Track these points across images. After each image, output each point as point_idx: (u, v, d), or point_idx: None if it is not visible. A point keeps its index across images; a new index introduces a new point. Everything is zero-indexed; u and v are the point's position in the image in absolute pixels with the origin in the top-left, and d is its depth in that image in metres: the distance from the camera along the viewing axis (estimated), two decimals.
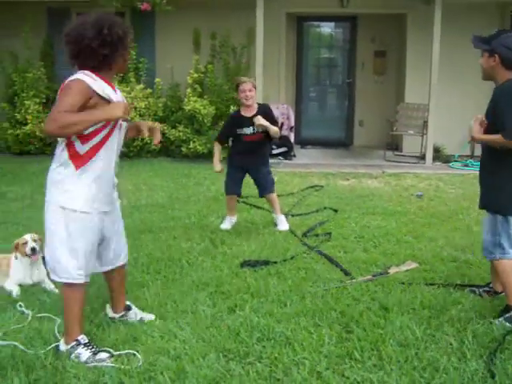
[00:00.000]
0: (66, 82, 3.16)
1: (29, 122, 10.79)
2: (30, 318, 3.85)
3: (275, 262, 4.98)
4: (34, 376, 3.15)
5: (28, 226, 6.01)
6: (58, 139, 3.29)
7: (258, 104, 6.08)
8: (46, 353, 3.37)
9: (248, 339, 3.54)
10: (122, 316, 3.79)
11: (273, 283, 4.49)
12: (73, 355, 3.33)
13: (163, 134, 10.43)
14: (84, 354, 3.32)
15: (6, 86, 11.39)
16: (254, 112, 5.91)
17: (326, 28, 13.57)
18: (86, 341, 3.39)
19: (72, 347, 3.35)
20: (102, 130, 3.23)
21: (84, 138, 3.20)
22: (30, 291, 4.33)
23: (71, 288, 3.36)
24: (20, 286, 4.36)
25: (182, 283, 4.51)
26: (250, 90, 5.85)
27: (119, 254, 3.67)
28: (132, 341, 3.55)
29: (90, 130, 3.17)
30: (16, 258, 4.42)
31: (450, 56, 10.87)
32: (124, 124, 3.42)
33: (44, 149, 11.17)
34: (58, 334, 3.58)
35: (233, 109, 10.39)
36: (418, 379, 3.11)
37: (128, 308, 3.83)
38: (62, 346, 3.41)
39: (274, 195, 6.24)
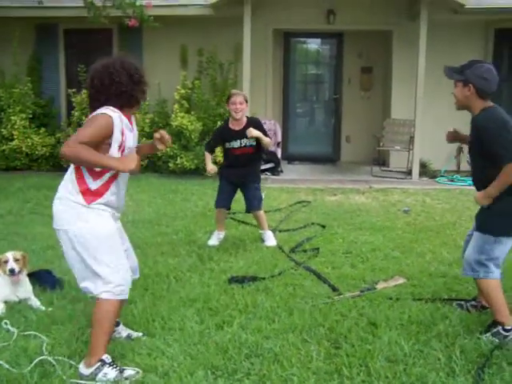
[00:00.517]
0: (96, 113, 3.22)
1: (15, 137, 10.75)
2: (15, 335, 3.80)
3: (263, 278, 4.97)
4: None
5: (14, 242, 5.99)
6: (69, 171, 3.34)
7: (247, 117, 6.06)
8: (32, 371, 3.33)
9: (236, 356, 3.53)
10: None
11: (261, 299, 4.48)
12: (99, 376, 3.27)
13: None
14: (111, 373, 3.28)
15: None
16: (243, 126, 5.90)
17: (313, 44, 13.68)
18: (110, 360, 3.34)
19: (97, 368, 3.29)
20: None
21: (96, 175, 3.25)
22: (16, 308, 4.28)
23: (112, 304, 3.32)
24: (5, 303, 4.31)
25: (170, 299, 4.49)
26: (240, 103, 5.84)
27: (136, 267, 3.71)
28: (120, 357, 3.52)
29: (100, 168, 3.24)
30: None
31: (435, 72, 10.90)
32: (128, 150, 3.43)
33: (30, 164, 11.15)
34: (45, 352, 3.55)
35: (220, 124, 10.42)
36: None
37: (116, 324, 3.80)
38: (84, 370, 3.31)
39: (260, 212, 6.23)
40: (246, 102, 5.96)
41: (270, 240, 6.17)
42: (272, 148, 10.96)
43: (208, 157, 6.20)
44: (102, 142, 3.19)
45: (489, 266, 3.82)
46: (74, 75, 11.45)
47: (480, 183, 3.93)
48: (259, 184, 6.29)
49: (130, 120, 3.40)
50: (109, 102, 3.28)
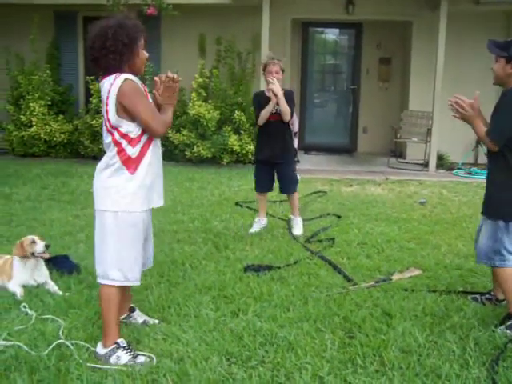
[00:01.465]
0: (119, 86, 3.18)
1: (34, 124, 10.83)
2: (33, 319, 3.85)
3: (278, 267, 4.99)
4: (38, 377, 3.16)
5: (32, 227, 6.05)
6: (106, 146, 3.35)
7: (283, 89, 5.95)
8: (50, 354, 3.37)
9: (251, 343, 3.55)
10: (126, 318, 3.80)
11: (276, 288, 4.50)
12: (112, 358, 3.33)
13: (167, 138, 10.47)
14: (124, 357, 3.33)
15: (11, 88, 11.45)
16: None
17: (331, 34, 13.62)
18: (125, 344, 3.39)
19: (112, 350, 3.35)
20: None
21: (134, 142, 3.28)
22: (34, 292, 4.33)
23: (114, 290, 3.36)
24: (24, 287, 4.37)
25: (186, 287, 4.52)
26: (276, 72, 5.82)
27: (151, 254, 3.71)
28: (135, 343, 3.56)
29: (137, 132, 3.27)
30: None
31: (454, 64, 10.89)
32: None
33: (48, 151, 11.24)
34: (61, 336, 3.60)
35: (237, 113, 10.43)
36: None
37: (132, 310, 3.85)
38: (100, 349, 3.39)
39: (295, 196, 6.28)
40: (283, 71, 5.93)
41: (298, 228, 6.20)
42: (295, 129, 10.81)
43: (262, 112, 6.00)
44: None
45: (504, 254, 3.81)
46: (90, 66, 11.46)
47: (491, 168, 3.94)
48: (293, 164, 6.30)
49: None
50: (94, 67, 3.35)
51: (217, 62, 11.47)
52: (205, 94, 10.92)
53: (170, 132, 10.56)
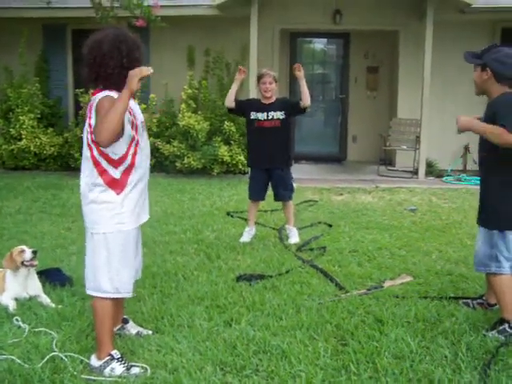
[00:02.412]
0: (98, 100, 3.20)
1: (23, 137, 10.82)
2: (26, 332, 3.85)
3: (270, 276, 5.01)
4: None
5: (23, 240, 6.03)
6: (84, 166, 3.33)
7: (276, 98, 6.22)
8: (44, 366, 3.37)
9: (244, 352, 3.57)
10: (119, 329, 3.81)
11: (268, 297, 4.51)
12: (106, 370, 3.34)
13: (158, 150, 10.49)
14: (118, 368, 3.33)
15: (0, 101, 11.44)
16: (272, 101, 6.09)
17: (319, 44, 13.72)
18: (119, 355, 3.40)
19: (106, 362, 3.35)
20: (129, 150, 3.29)
21: (116, 163, 3.26)
22: (27, 305, 4.32)
23: (107, 302, 3.37)
24: (16, 300, 4.36)
25: (178, 297, 4.53)
26: (270, 83, 6.01)
27: (140, 266, 3.72)
28: (129, 354, 3.56)
29: (119, 155, 3.24)
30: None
31: (441, 72, 10.99)
32: (141, 124, 3.43)
33: (38, 164, 11.22)
34: (55, 348, 3.60)
35: (227, 124, 10.47)
36: None
37: (125, 321, 3.85)
38: (95, 362, 3.39)
39: (290, 203, 6.32)
40: (276, 81, 6.09)
41: (294, 237, 6.24)
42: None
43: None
44: None
45: (500, 260, 3.84)
46: (81, 75, 11.48)
47: (483, 166, 3.96)
48: (289, 170, 6.31)
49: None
50: (97, 82, 3.32)
51: (206, 73, 11.52)
52: (194, 105, 10.95)
53: (160, 143, 10.58)
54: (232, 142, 10.65)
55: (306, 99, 6.02)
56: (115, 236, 3.29)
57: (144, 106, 10.94)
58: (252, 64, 10.40)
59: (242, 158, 10.34)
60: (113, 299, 3.39)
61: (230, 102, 6.14)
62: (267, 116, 6.02)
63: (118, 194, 3.27)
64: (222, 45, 11.31)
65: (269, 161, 6.12)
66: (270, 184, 6.28)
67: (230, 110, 6.33)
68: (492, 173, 3.91)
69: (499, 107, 3.74)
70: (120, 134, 3.18)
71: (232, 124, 10.58)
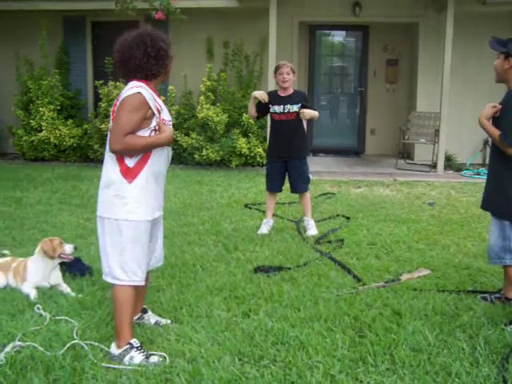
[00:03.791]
0: (126, 95, 3.26)
1: (43, 128, 10.93)
2: (47, 320, 3.91)
3: (288, 268, 5.03)
4: (53, 376, 3.22)
5: (44, 230, 6.12)
6: (107, 154, 3.41)
7: (294, 90, 6.23)
8: (65, 354, 3.43)
9: (262, 343, 3.59)
10: (139, 318, 3.85)
11: (286, 288, 4.54)
12: (126, 358, 3.38)
13: (176, 141, 10.54)
14: (137, 357, 3.38)
15: (21, 92, 11.55)
16: (289, 94, 6.10)
17: (338, 37, 13.64)
18: (138, 344, 3.45)
19: (125, 350, 3.40)
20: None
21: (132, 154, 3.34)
22: (48, 294, 4.39)
23: (126, 290, 3.42)
24: (37, 288, 4.42)
25: (197, 288, 4.57)
26: (287, 73, 6.03)
27: (161, 255, 3.76)
28: (148, 343, 3.61)
29: None
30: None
31: (461, 65, 10.91)
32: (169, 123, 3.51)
33: (58, 155, 11.33)
34: (75, 336, 3.65)
35: (245, 116, 10.48)
36: (431, 383, 3.14)
37: (144, 311, 3.90)
38: (114, 350, 3.44)
39: (307, 195, 6.35)
40: (294, 72, 6.11)
41: (313, 229, 6.27)
42: None
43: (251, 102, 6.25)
44: (142, 121, 3.29)
45: None
46: (101, 67, 11.59)
47: (493, 156, 3.97)
48: (306, 162, 6.35)
49: (156, 93, 3.44)
50: (128, 76, 3.38)
51: (224, 65, 11.55)
52: (213, 97, 10.98)
53: (178, 135, 10.63)
54: (250, 134, 10.67)
55: (314, 120, 6.31)
56: (125, 224, 3.33)
57: (163, 98, 11.00)
58: (271, 56, 10.39)
59: (260, 150, 10.36)
60: (132, 288, 3.43)
61: (252, 114, 6.29)
62: (283, 109, 6.07)
63: (129, 182, 3.32)
64: (240, 37, 11.32)
65: (285, 152, 6.17)
66: (286, 176, 6.30)
67: (258, 118, 6.46)
68: (502, 162, 3.90)
69: (506, 107, 3.76)
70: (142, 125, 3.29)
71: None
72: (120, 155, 3.32)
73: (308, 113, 6.02)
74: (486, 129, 3.93)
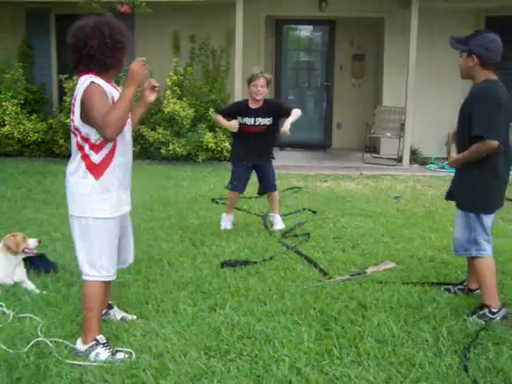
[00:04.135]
0: (84, 88, 3.19)
1: (7, 123, 10.74)
2: (11, 317, 3.86)
3: (255, 262, 5.04)
4: (16, 375, 3.17)
5: (8, 226, 6.02)
6: (73, 152, 3.35)
7: (265, 99, 6.06)
8: (28, 352, 3.38)
9: (229, 337, 3.60)
10: (104, 314, 3.81)
11: (252, 283, 4.55)
12: (92, 355, 3.36)
13: (142, 136, 10.46)
14: (103, 353, 3.36)
15: None
16: (260, 105, 5.97)
17: (305, 31, 13.68)
18: (105, 341, 3.42)
19: (91, 347, 3.37)
20: None
21: (97, 148, 3.27)
22: (11, 291, 4.32)
23: (96, 286, 3.39)
24: (0, 286, 4.35)
25: (163, 283, 4.56)
26: (261, 86, 5.90)
27: (131, 252, 3.75)
28: (114, 339, 3.58)
29: (100, 138, 3.24)
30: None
31: (426, 59, 11.03)
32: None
33: (22, 150, 11.14)
34: (40, 334, 3.60)
35: (212, 111, 10.44)
36: (395, 374, 3.19)
37: (110, 307, 3.87)
38: (80, 346, 3.42)
39: (275, 194, 6.35)
40: (268, 84, 5.98)
41: (280, 223, 6.28)
42: None
43: (220, 117, 6.15)
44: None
45: (480, 243, 3.91)
46: (65, 61, 11.39)
47: (462, 150, 4.01)
48: (272, 163, 6.35)
49: (111, 85, 3.39)
50: (80, 65, 3.30)
51: (191, 60, 11.50)
52: (179, 92, 10.92)
53: (144, 130, 10.55)
54: (217, 128, 10.62)
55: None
56: (93, 221, 3.31)
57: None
58: (237, 51, 10.38)
59: (227, 144, 10.34)
60: (103, 283, 3.41)
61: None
62: (254, 121, 5.98)
63: (96, 178, 3.29)
64: (207, 31, 11.29)
65: (254, 159, 6.15)
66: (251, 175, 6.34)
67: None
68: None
69: (474, 108, 3.81)
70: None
71: None
72: (84, 153, 3.27)
73: (288, 127, 5.84)
74: (466, 158, 3.92)
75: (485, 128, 3.73)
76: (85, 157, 3.28)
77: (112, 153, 3.32)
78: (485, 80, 3.87)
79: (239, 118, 6.02)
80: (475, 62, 3.86)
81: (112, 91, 3.33)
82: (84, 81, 3.23)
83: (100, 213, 3.31)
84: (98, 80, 3.24)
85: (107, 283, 3.54)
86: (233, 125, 6.00)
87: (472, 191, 3.93)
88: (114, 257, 3.46)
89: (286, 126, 5.80)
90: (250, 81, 5.95)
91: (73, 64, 3.36)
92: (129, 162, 3.48)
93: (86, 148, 3.27)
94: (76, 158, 3.32)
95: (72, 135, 3.33)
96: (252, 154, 6.10)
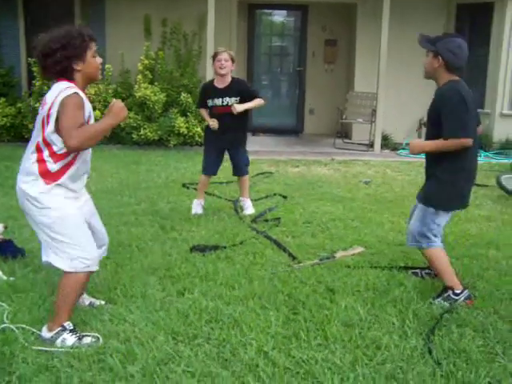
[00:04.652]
0: (66, 95, 3.14)
1: None
2: None
3: (224, 247, 5.05)
4: None
5: None
6: (28, 151, 3.32)
7: (233, 78, 6.08)
8: None
9: (197, 322, 3.61)
10: None
11: (222, 267, 4.56)
12: (58, 341, 3.33)
13: None
14: (70, 339, 3.33)
15: None
16: (227, 84, 5.97)
17: (278, 16, 13.66)
18: (72, 327, 3.39)
19: (57, 333, 3.35)
20: None
21: (56, 157, 3.23)
22: None
23: (78, 276, 3.36)
24: None
25: (132, 268, 4.54)
26: (225, 60, 5.90)
27: (105, 238, 3.73)
28: (82, 325, 3.56)
29: (62, 150, 3.20)
30: None
31: (398, 45, 11.08)
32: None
33: None
34: (6, 320, 3.57)
35: (184, 95, 10.40)
36: (361, 356, 3.22)
37: None
38: (46, 333, 3.38)
39: (246, 177, 6.36)
40: (233, 60, 5.99)
41: (250, 208, 6.30)
42: None
43: (204, 112, 6.20)
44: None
45: (430, 237, 4.00)
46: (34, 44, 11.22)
47: (429, 153, 4.07)
48: (245, 146, 6.35)
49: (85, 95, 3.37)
50: (45, 73, 3.31)
51: (162, 44, 11.41)
52: (151, 76, 10.83)
53: None
54: (189, 113, 10.59)
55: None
56: (57, 219, 3.27)
57: (100, 77, 10.76)
58: (209, 35, 10.30)
59: (198, 129, 10.30)
60: (83, 274, 3.38)
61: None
62: (222, 102, 5.98)
63: (47, 183, 3.25)
64: (179, 15, 11.20)
65: (226, 143, 6.15)
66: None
67: None
68: (437, 155, 3.99)
69: (443, 111, 3.84)
70: None
71: (189, 95, 10.52)
72: (41, 157, 3.23)
73: (241, 107, 5.87)
74: (431, 148, 3.98)
75: (458, 129, 3.78)
76: (40, 161, 3.24)
77: (69, 165, 3.29)
78: (448, 82, 3.91)
79: (209, 102, 6.03)
80: (440, 63, 3.89)
81: (89, 106, 3.32)
82: (67, 87, 3.19)
83: (59, 211, 3.27)
84: (81, 93, 3.22)
85: (88, 274, 3.51)
86: (213, 125, 6.01)
87: (441, 190, 3.97)
88: (90, 243, 3.43)
89: (240, 106, 5.87)
90: (214, 57, 6.00)
91: (42, 71, 3.36)
92: (88, 168, 3.50)
93: (45, 153, 3.23)
94: (31, 158, 3.28)
95: (37, 132, 3.28)
96: (223, 137, 6.08)
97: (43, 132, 3.22)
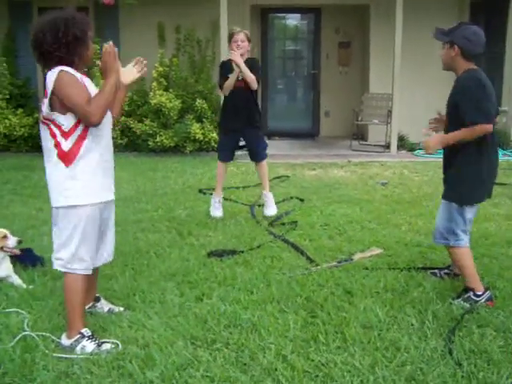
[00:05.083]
0: (53, 80, 3.17)
1: None
2: None
3: (242, 252, 5.05)
4: (2, 370, 3.16)
5: None
6: (43, 140, 3.34)
7: (247, 58, 6.10)
8: (15, 346, 3.38)
9: (215, 326, 3.61)
10: (91, 307, 3.82)
11: (239, 272, 4.56)
12: (77, 348, 3.35)
13: (130, 129, 10.43)
14: (89, 346, 3.35)
15: None
16: (244, 60, 5.97)
17: (291, 20, 13.67)
18: (90, 333, 3.41)
19: (76, 340, 3.37)
20: (79, 123, 3.26)
21: (66, 135, 3.25)
22: None
23: (77, 279, 3.38)
24: None
25: (150, 274, 4.55)
26: (242, 41, 5.96)
27: (112, 248, 3.73)
28: (101, 331, 3.58)
29: (69, 125, 3.23)
30: None
31: (412, 46, 11.03)
32: None
33: (9, 145, 11.08)
34: (26, 328, 3.60)
35: (199, 102, 10.43)
36: (381, 359, 3.20)
37: (97, 299, 3.86)
38: (65, 341, 3.41)
39: (264, 163, 6.32)
40: (249, 40, 6.04)
41: (271, 208, 6.30)
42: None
43: (225, 82, 6.13)
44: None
45: (458, 234, 3.94)
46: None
47: (448, 147, 4.03)
48: (260, 130, 6.36)
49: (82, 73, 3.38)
50: (39, 60, 3.33)
51: (177, 51, 11.46)
52: (166, 83, 10.88)
53: (131, 122, 10.52)
54: (204, 119, 10.62)
55: (251, 85, 6.03)
56: (69, 211, 3.30)
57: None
58: (223, 41, 10.30)
59: (214, 135, 10.32)
60: (84, 276, 3.40)
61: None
62: (238, 77, 6.01)
63: (66, 166, 3.28)
64: (192, 22, 11.24)
65: (238, 122, 6.14)
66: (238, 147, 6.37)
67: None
68: (456, 150, 3.96)
69: (463, 98, 3.81)
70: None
71: (204, 101, 10.55)
72: (56, 141, 3.26)
73: (239, 58, 5.86)
74: (453, 139, 3.92)
75: (477, 114, 3.74)
76: (57, 145, 3.26)
77: (81, 139, 3.28)
78: (466, 70, 3.88)
79: (229, 75, 6.06)
80: (456, 52, 3.88)
81: (83, 79, 3.32)
82: (52, 72, 3.21)
83: (72, 200, 3.29)
84: (68, 68, 3.23)
85: (89, 276, 3.53)
86: (233, 53, 5.94)
87: (464, 184, 3.93)
88: (94, 249, 3.45)
89: (237, 58, 5.88)
90: (231, 37, 6.04)
91: (36, 59, 3.36)
92: (105, 148, 3.46)
93: (58, 135, 3.25)
94: (48, 147, 3.31)
95: (41, 127, 3.32)
96: (236, 116, 6.11)
97: (43, 116, 3.29)
